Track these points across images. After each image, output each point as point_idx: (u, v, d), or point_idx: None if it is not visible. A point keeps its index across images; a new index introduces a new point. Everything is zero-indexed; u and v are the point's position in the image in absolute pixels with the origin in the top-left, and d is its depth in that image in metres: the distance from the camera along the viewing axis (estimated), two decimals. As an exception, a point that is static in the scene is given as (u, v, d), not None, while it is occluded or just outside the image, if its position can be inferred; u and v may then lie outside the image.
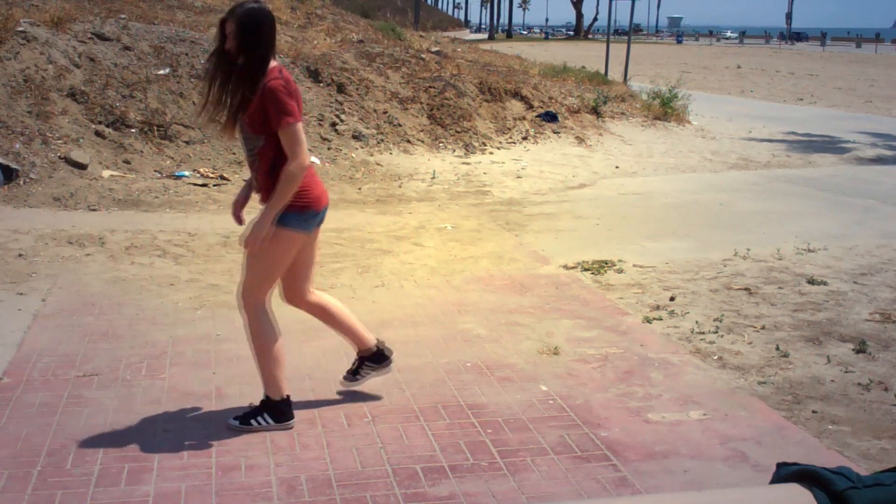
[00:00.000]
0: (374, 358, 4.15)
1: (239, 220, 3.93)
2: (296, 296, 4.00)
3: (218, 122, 3.69)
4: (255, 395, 4.11)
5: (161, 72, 10.53)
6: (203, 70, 3.80)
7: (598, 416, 4.00)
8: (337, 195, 9.11)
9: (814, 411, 4.12)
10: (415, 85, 12.60)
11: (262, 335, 3.80)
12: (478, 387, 4.31)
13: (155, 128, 9.86)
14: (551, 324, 5.28)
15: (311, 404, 4.06)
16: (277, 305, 5.56)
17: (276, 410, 3.82)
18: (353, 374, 4.19)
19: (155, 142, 9.74)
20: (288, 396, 3.86)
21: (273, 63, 3.58)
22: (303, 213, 3.67)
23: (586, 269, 6.49)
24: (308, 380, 4.35)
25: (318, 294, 4.09)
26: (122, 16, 11.74)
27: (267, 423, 3.80)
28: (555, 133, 12.73)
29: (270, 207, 3.58)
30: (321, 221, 3.84)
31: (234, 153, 10.02)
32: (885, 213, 8.71)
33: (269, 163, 3.59)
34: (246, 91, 3.52)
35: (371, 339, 4.15)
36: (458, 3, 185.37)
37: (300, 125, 3.56)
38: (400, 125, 11.66)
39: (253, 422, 3.80)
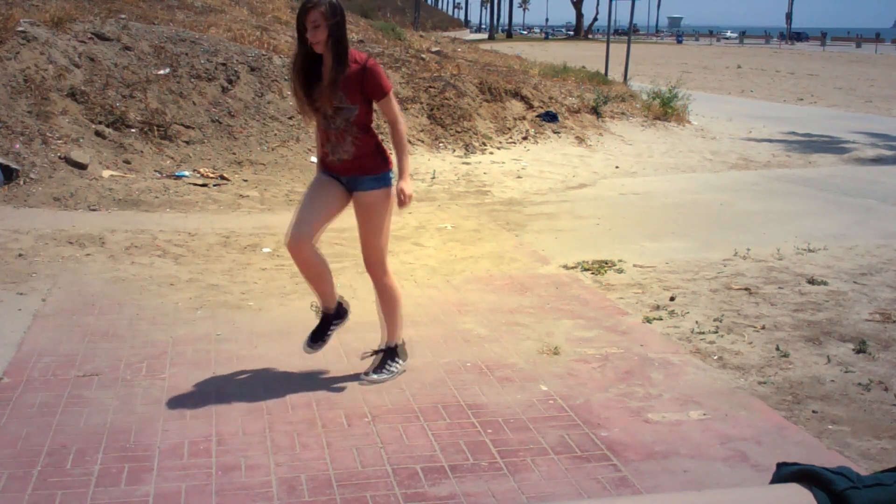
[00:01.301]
0: (338, 314, 4.50)
1: None
2: (308, 238, 4.17)
3: (315, 105, 4.07)
4: (254, 395, 4.12)
5: (161, 72, 10.53)
6: (297, 72, 4.15)
7: (598, 416, 4.00)
8: (337, 195, 9.11)
9: (814, 411, 4.12)
10: (415, 85, 12.60)
11: (395, 291, 4.35)
12: (478, 387, 4.31)
13: (155, 128, 9.86)
14: (551, 324, 5.28)
15: (311, 404, 4.06)
16: (280, 305, 5.56)
17: (402, 352, 4.44)
18: (322, 338, 4.45)
19: (155, 142, 9.74)
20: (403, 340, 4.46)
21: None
22: (391, 171, 4.21)
23: (586, 269, 6.49)
24: (308, 380, 4.35)
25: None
26: (122, 16, 11.74)
27: (399, 364, 4.40)
28: (555, 133, 12.73)
29: (405, 167, 4.13)
30: None
31: (233, 153, 10.02)
32: (885, 213, 8.71)
33: (365, 126, 4.13)
34: (341, 70, 3.98)
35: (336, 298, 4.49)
36: (458, 3, 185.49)
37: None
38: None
39: (387, 370, 4.35)
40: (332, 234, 7.33)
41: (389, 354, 4.40)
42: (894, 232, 7.82)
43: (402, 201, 4.11)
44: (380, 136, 4.31)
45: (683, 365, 4.67)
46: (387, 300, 4.34)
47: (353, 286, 5.95)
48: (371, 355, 4.44)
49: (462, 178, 10.22)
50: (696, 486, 3.33)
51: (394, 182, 4.18)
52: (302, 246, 4.13)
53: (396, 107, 4.16)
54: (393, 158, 4.22)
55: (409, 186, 4.13)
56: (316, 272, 4.27)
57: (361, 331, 5.04)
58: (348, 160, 4.12)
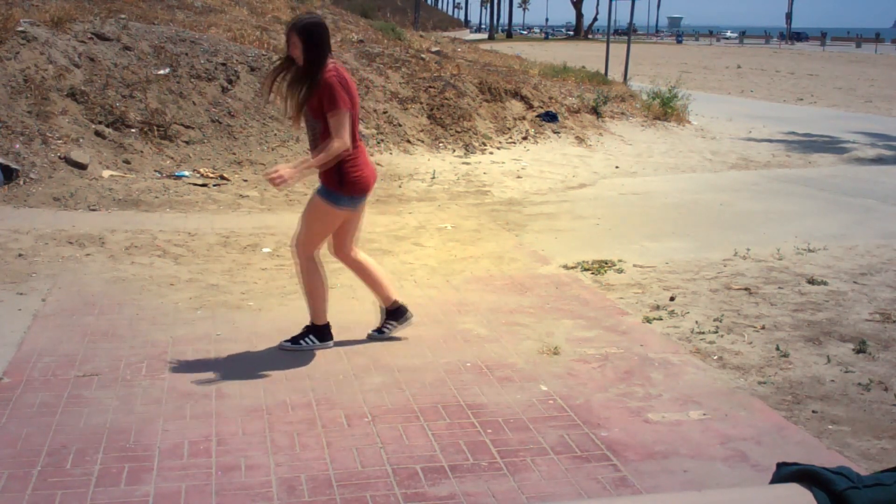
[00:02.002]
0: (394, 314, 4.90)
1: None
2: (341, 250, 4.83)
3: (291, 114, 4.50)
4: (254, 395, 4.13)
5: (161, 72, 10.53)
6: (271, 72, 4.62)
7: (598, 415, 4.00)
8: (337, 195, 9.11)
9: (814, 411, 4.12)
10: (415, 85, 12.60)
11: (314, 273, 4.70)
12: (478, 387, 4.31)
13: (155, 128, 9.86)
14: (551, 324, 5.28)
15: (311, 404, 4.06)
16: (280, 305, 5.54)
17: (318, 332, 4.73)
18: (379, 331, 4.93)
19: (155, 142, 9.74)
20: (328, 322, 4.76)
21: (330, 62, 4.38)
22: (343, 197, 4.51)
23: (586, 269, 6.49)
24: (308, 380, 4.35)
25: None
26: (122, 16, 11.73)
27: (313, 342, 4.70)
28: (555, 133, 12.73)
29: (308, 164, 4.41)
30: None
31: (233, 153, 10.02)
32: (885, 213, 8.71)
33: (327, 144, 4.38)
34: (309, 86, 4.34)
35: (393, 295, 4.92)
36: (458, 3, 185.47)
37: (346, 112, 4.32)
38: (400, 125, 11.66)
39: (302, 342, 4.70)
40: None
41: (309, 330, 4.76)
42: (894, 232, 7.82)
43: (271, 175, 4.30)
44: (353, 168, 4.53)
45: (683, 365, 4.67)
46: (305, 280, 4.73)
47: (353, 286, 5.94)
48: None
49: (462, 178, 10.22)
50: (696, 486, 3.33)
51: (341, 206, 4.52)
52: (340, 256, 4.82)
53: (341, 125, 4.34)
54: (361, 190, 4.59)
55: (287, 170, 4.34)
56: (365, 274, 4.83)
57: (361, 331, 5.05)
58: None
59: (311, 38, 4.35)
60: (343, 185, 4.47)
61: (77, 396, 4.08)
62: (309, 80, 4.35)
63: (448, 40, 25.32)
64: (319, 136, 4.41)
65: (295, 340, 4.73)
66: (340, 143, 4.33)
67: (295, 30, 4.35)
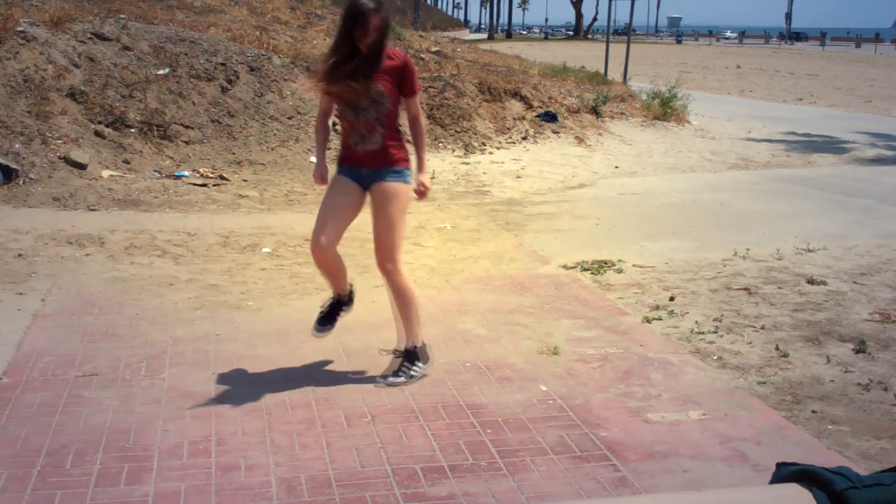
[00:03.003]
0: (349, 299, 4.61)
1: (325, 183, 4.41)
2: (333, 244, 4.27)
3: (346, 98, 4.20)
4: (254, 395, 4.12)
5: (161, 72, 10.53)
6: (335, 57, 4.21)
7: (597, 416, 4.00)
8: (336, 195, 9.11)
9: (813, 411, 4.12)
10: (414, 85, 12.59)
11: (409, 290, 4.34)
12: (477, 387, 4.31)
13: (154, 128, 9.86)
14: (551, 324, 5.28)
15: (311, 404, 4.06)
16: (280, 305, 5.55)
17: (422, 354, 4.41)
18: (332, 321, 4.56)
19: (154, 142, 9.74)
20: (424, 342, 4.45)
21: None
22: (410, 170, 4.31)
23: (586, 269, 6.49)
24: (308, 380, 4.35)
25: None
26: (122, 16, 11.73)
27: (419, 367, 4.38)
28: (554, 133, 12.73)
29: (424, 161, 4.30)
30: None
31: (233, 153, 10.02)
32: (884, 213, 8.71)
33: (394, 120, 4.24)
34: (375, 67, 4.13)
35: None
36: (458, 3, 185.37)
37: None
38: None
39: (404, 373, 4.33)
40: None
41: (409, 357, 4.39)
42: (894, 232, 7.82)
43: (422, 192, 4.28)
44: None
45: (683, 365, 4.67)
46: (400, 300, 4.34)
47: (353, 285, 5.94)
48: (390, 354, 4.49)
49: (461, 178, 10.22)
50: (695, 486, 3.33)
51: (412, 180, 4.31)
52: (328, 251, 4.23)
53: (419, 106, 4.37)
54: (412, 158, 4.36)
55: (428, 179, 4.32)
56: (336, 270, 4.40)
57: (361, 331, 5.05)
58: (375, 150, 4.20)
59: (388, 20, 4.22)
60: (408, 158, 4.32)
61: (77, 396, 4.08)
62: (380, 59, 4.15)
63: (448, 40, 25.30)
64: (384, 115, 4.18)
65: (397, 373, 4.36)
66: (423, 122, 4.43)
67: (378, 15, 4.06)
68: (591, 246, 7.21)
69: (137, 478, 3.35)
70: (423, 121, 4.39)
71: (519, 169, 10.85)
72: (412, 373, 4.35)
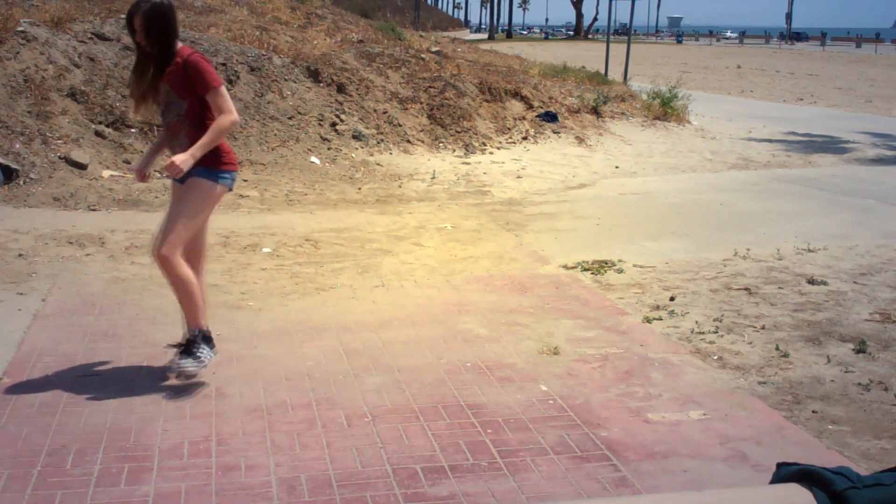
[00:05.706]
0: (207, 339, 4.34)
1: (144, 179, 4.67)
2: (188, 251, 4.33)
3: (142, 100, 4.30)
4: (254, 395, 4.12)
5: (161, 72, 10.52)
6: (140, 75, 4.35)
7: (598, 416, 4.00)
8: (337, 195, 9.12)
9: (814, 411, 4.12)
10: (415, 85, 12.60)
11: (183, 277, 4.24)
12: (478, 387, 4.31)
13: (155, 128, 9.86)
14: (551, 324, 5.28)
15: (311, 404, 4.06)
16: (280, 305, 5.56)
17: (207, 340, 4.28)
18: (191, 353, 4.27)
19: (155, 142, 9.74)
20: (207, 328, 4.33)
21: (179, 45, 4.20)
22: (226, 173, 4.28)
23: (586, 269, 6.49)
24: (308, 380, 4.35)
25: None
26: (122, 16, 11.73)
27: (206, 351, 4.26)
28: (555, 133, 12.73)
29: (200, 145, 4.10)
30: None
31: (234, 153, 10.01)
32: (885, 213, 8.71)
33: (197, 120, 4.17)
34: (157, 72, 4.15)
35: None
36: (458, 3, 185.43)
37: (224, 87, 4.20)
38: (400, 125, 11.66)
39: (198, 357, 4.21)
40: (332, 234, 7.34)
41: (192, 343, 4.26)
42: (894, 232, 7.82)
43: (169, 165, 4.05)
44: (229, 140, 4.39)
45: (683, 365, 4.67)
46: (177, 288, 4.26)
47: (353, 286, 5.95)
48: (174, 347, 4.36)
49: (462, 178, 10.22)
50: (695, 486, 3.33)
51: (224, 184, 4.27)
52: (185, 259, 4.29)
53: (228, 103, 4.15)
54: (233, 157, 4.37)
55: (181, 158, 4.05)
56: (193, 288, 4.28)
57: (361, 331, 5.05)
58: (183, 151, 4.13)
59: (157, 21, 4.12)
60: (221, 160, 4.24)
61: (77, 396, 4.08)
62: (157, 65, 4.15)
63: (448, 40, 25.32)
64: (185, 115, 4.18)
65: (191, 356, 4.24)
66: (229, 119, 4.14)
67: (139, 13, 4.07)
68: (591, 246, 7.21)
69: (138, 478, 3.35)
70: (229, 120, 4.13)
71: (519, 169, 10.85)
72: (199, 355, 4.22)
